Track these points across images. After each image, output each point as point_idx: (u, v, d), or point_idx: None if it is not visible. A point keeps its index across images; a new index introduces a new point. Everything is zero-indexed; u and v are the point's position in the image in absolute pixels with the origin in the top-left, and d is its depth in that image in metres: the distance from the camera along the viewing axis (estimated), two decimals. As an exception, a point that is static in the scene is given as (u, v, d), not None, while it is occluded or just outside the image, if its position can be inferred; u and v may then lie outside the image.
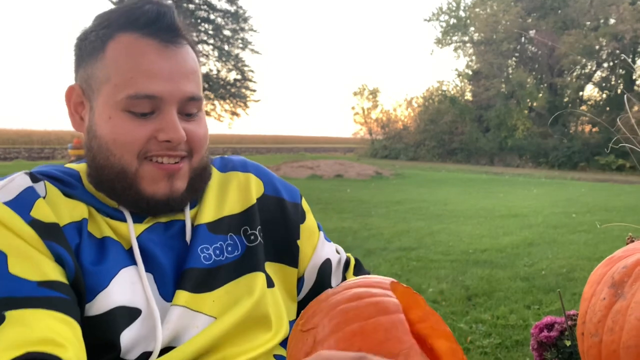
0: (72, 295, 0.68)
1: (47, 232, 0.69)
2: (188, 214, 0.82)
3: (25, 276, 0.65)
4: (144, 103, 0.73)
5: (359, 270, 1.01)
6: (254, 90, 28.09)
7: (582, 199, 10.75)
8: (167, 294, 0.76)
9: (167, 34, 0.74)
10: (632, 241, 0.80)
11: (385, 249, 5.68)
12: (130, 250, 0.75)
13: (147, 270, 0.75)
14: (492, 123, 24.91)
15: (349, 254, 1.03)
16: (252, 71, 27.70)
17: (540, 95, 25.15)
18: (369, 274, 1.02)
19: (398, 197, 10.65)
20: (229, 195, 0.87)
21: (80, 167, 0.81)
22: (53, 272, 0.67)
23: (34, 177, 0.74)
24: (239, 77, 27.60)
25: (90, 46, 0.76)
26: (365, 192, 11.63)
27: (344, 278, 0.98)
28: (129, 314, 0.71)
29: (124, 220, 0.77)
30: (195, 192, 0.81)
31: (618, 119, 1.13)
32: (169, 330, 0.73)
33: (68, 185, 0.77)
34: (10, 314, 0.62)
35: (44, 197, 0.72)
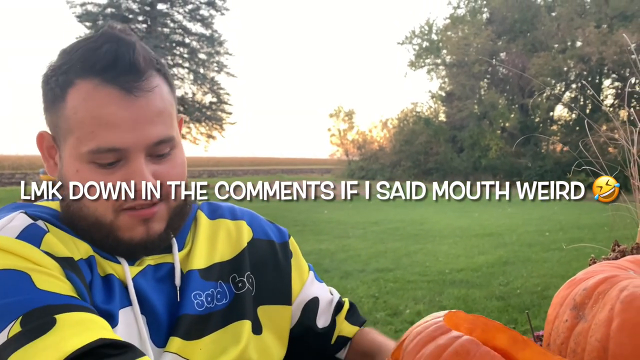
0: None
1: (64, 264, 0.68)
2: (177, 257, 0.80)
3: (55, 290, 0.64)
4: (107, 156, 0.71)
5: (353, 315, 0.99)
6: (230, 113, 28.11)
7: (555, 217, 10.94)
8: (158, 340, 0.75)
9: (128, 79, 0.70)
10: (595, 262, 0.83)
11: (363, 271, 5.69)
12: (126, 290, 0.74)
13: (141, 313, 0.74)
14: (466, 143, 25.29)
15: (345, 299, 1.01)
16: (227, 94, 27.76)
17: (512, 115, 25.67)
18: (364, 321, 1.00)
19: (375, 217, 10.71)
20: (218, 242, 0.86)
21: (58, 207, 0.79)
22: (72, 290, 0.66)
23: (32, 216, 0.72)
24: (214, 100, 27.60)
25: (51, 93, 0.73)
26: (342, 213, 11.66)
27: (334, 321, 0.96)
28: None
29: (117, 261, 0.75)
30: (174, 230, 0.80)
31: (580, 143, 1.17)
32: None
33: (59, 225, 0.75)
34: (60, 317, 0.60)
35: (48, 232, 0.71)
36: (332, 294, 0.99)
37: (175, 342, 0.75)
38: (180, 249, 0.82)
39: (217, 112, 27.72)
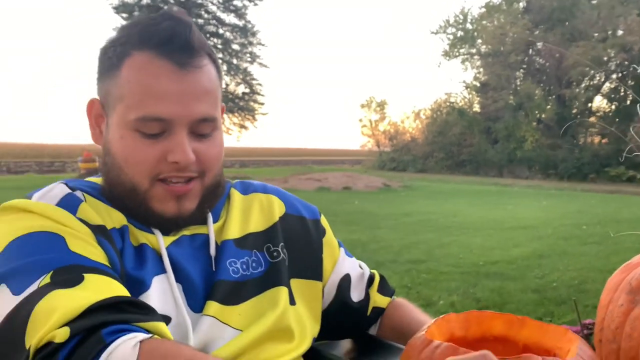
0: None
1: (97, 231, 0.71)
2: (212, 228, 0.83)
3: (87, 255, 0.67)
4: (153, 125, 0.73)
5: (383, 287, 1.02)
6: (262, 104, 28.25)
7: (593, 210, 10.67)
8: (194, 305, 0.77)
9: (182, 55, 0.73)
10: (648, 249, 0.80)
11: (395, 262, 5.66)
12: (161, 259, 0.77)
13: (176, 281, 0.77)
14: (501, 135, 24.84)
15: (373, 270, 1.04)
16: (260, 84, 27.90)
17: (549, 106, 25.08)
18: (394, 292, 1.03)
19: (407, 209, 10.63)
20: (252, 215, 0.89)
21: (101, 182, 0.83)
22: (104, 259, 0.69)
23: (71, 187, 0.77)
24: (247, 90, 27.78)
25: (109, 62, 0.77)
26: (373, 204, 11.61)
27: (367, 294, 0.98)
28: None
29: (152, 232, 0.78)
30: (207, 208, 0.82)
31: (631, 129, 1.14)
32: (199, 340, 0.74)
33: (97, 196, 0.79)
34: (88, 276, 0.64)
35: (84, 201, 0.75)
36: (362, 268, 1.01)
37: (212, 306, 0.77)
38: (214, 222, 0.84)
39: (250, 102, 27.91)
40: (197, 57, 0.75)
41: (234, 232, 0.85)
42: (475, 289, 4.61)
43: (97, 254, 0.68)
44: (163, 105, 0.73)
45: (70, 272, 0.63)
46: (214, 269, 0.80)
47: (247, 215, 0.89)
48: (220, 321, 0.77)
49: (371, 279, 1.01)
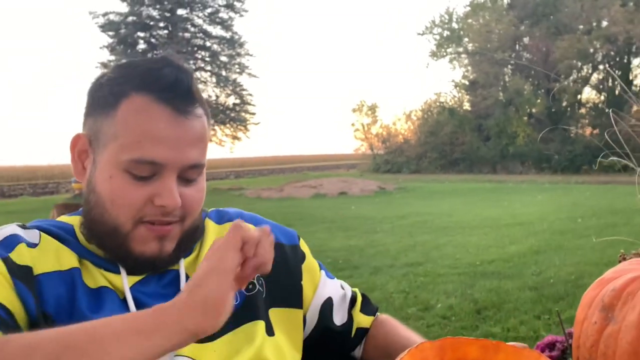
0: (14, 322, 0.69)
1: (18, 272, 0.71)
2: (182, 263, 0.82)
3: None
4: (145, 167, 0.74)
5: (366, 306, 1.01)
6: (254, 114, 28.18)
7: (587, 202, 10.72)
8: None
9: (182, 102, 0.74)
10: (624, 259, 0.81)
11: (393, 266, 5.66)
12: (124, 301, 0.76)
13: None
14: (492, 131, 24.91)
15: (355, 289, 1.03)
16: (250, 95, 27.84)
17: (539, 101, 25.19)
18: (377, 309, 1.02)
19: (402, 211, 10.63)
20: None
21: (74, 221, 0.82)
22: (6, 298, 0.69)
23: (26, 227, 0.77)
24: (237, 101, 27.71)
25: (103, 100, 0.76)
26: (369, 208, 11.61)
27: (350, 315, 0.98)
28: None
29: (117, 272, 0.78)
30: (183, 251, 0.82)
31: (605, 133, 1.14)
32: None
33: (62, 239, 0.78)
34: None
35: (36, 245, 0.75)
36: (343, 289, 1.00)
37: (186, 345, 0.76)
38: (186, 257, 0.83)
39: (241, 113, 27.85)
40: (195, 105, 0.76)
41: None
42: (473, 289, 4.61)
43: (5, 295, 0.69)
44: (159, 149, 0.73)
45: None
46: None
47: None
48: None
49: (353, 299, 1.00)
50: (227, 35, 26.65)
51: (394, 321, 1.01)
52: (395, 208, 11.34)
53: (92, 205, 0.77)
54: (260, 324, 0.84)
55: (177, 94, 0.74)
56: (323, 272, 0.99)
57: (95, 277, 0.77)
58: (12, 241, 0.74)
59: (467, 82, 28.27)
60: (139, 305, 0.76)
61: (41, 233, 0.77)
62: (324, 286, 0.96)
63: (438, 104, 28.73)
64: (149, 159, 0.73)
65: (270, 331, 0.85)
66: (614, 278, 0.65)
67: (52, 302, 0.72)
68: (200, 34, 26.54)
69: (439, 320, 3.85)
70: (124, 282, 0.77)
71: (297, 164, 42.06)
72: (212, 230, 0.89)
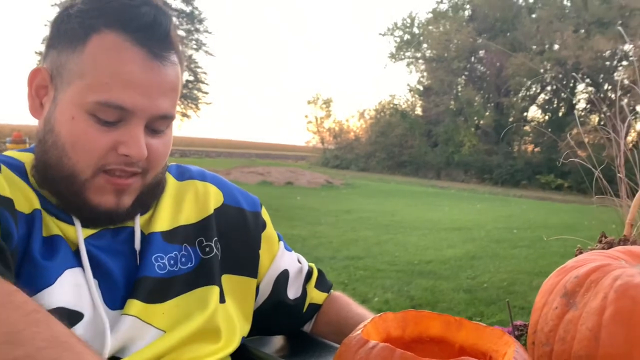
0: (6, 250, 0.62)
1: (4, 202, 0.65)
2: (138, 221, 0.77)
3: None
4: (112, 112, 0.68)
5: (321, 282, 0.99)
6: (206, 93, 27.80)
7: (524, 215, 11.13)
8: (113, 302, 0.72)
9: (158, 45, 0.69)
10: (581, 252, 0.82)
11: (334, 258, 5.69)
12: (76, 252, 0.71)
13: (93, 276, 0.71)
14: (441, 138, 25.53)
15: (312, 264, 1.00)
16: (205, 73, 27.42)
17: (487, 113, 25.98)
18: (331, 286, 1.01)
19: (348, 206, 10.72)
20: (185, 205, 0.83)
21: (26, 158, 0.75)
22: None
23: None
24: (191, 78, 27.21)
25: (71, 32, 0.69)
26: (315, 200, 11.64)
27: (304, 290, 0.95)
28: (68, 317, 0.67)
29: (71, 222, 0.72)
30: (142, 207, 0.77)
31: (568, 135, 1.17)
32: (117, 340, 0.69)
33: (18, 173, 0.72)
34: None
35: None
36: (300, 262, 0.97)
37: (134, 305, 0.72)
38: (142, 214, 0.79)
39: (193, 90, 27.36)
40: (171, 50, 0.71)
41: (163, 224, 0.79)
42: (410, 287, 4.69)
43: None
44: (129, 93, 0.67)
45: None
46: (138, 264, 0.75)
47: (180, 205, 0.82)
48: (142, 320, 0.72)
49: (309, 274, 0.97)
50: (187, 9, 26.08)
51: (347, 298, 0.99)
52: (341, 202, 11.42)
53: (49, 146, 0.70)
54: (214, 290, 0.80)
55: (154, 36, 0.68)
56: (282, 243, 0.95)
57: (49, 225, 0.71)
58: None
59: (421, 88, 28.82)
60: (92, 259, 0.71)
61: (1, 166, 0.70)
62: (281, 258, 0.93)
63: (391, 105, 29.17)
64: (116, 103, 0.67)
65: (222, 298, 0.82)
66: (577, 266, 0.65)
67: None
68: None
69: (375, 313, 3.88)
70: (79, 234, 0.71)
71: (246, 150, 41.69)
72: (172, 186, 0.84)
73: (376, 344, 0.55)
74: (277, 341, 0.98)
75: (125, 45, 0.67)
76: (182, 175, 0.87)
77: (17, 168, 0.73)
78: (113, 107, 0.67)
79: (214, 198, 0.87)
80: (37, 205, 0.70)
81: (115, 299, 0.72)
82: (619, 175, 1.02)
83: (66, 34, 0.70)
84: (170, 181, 0.84)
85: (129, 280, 0.73)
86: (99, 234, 0.74)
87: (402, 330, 0.60)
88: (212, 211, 0.85)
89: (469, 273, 5.37)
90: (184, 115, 27.73)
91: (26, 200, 0.70)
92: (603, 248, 0.79)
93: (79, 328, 0.67)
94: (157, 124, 0.72)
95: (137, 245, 0.76)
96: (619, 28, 20.10)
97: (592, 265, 0.63)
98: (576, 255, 0.81)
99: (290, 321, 0.96)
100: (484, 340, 0.59)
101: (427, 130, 26.54)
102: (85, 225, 0.73)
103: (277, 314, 0.93)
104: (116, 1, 0.70)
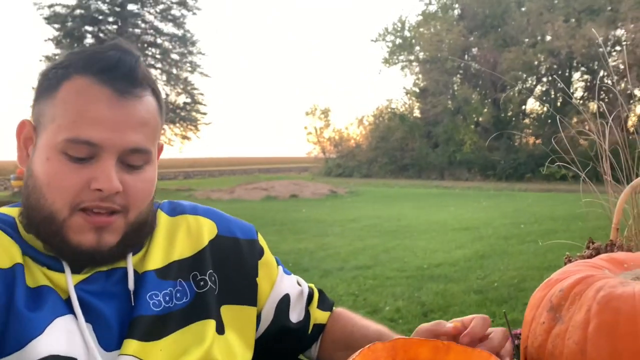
0: None
1: None
2: (130, 260, 0.79)
3: None
4: (81, 148, 0.71)
5: (323, 302, 0.99)
6: (205, 113, 27.80)
7: (530, 209, 11.11)
8: (107, 344, 0.73)
9: (123, 83, 0.72)
10: (570, 260, 0.82)
11: (342, 269, 5.68)
12: (67, 300, 0.72)
13: (86, 321, 0.72)
14: (441, 138, 25.52)
15: (311, 285, 1.01)
16: (201, 94, 27.47)
17: (485, 110, 25.97)
18: (333, 304, 1.01)
19: (353, 214, 10.72)
20: (178, 240, 0.84)
21: (14, 212, 0.78)
22: None
23: None
24: (188, 100, 27.30)
25: (47, 83, 0.74)
26: (320, 211, 11.64)
27: (307, 312, 0.96)
28: None
29: (61, 270, 0.74)
30: (129, 247, 0.78)
31: (552, 139, 1.18)
32: None
33: (4, 232, 0.74)
34: None
35: None
36: (300, 285, 0.98)
37: (131, 345, 0.73)
38: (135, 253, 0.80)
39: (192, 112, 27.42)
40: (138, 87, 0.74)
41: (156, 261, 0.80)
42: (420, 292, 4.68)
43: None
44: (95, 129, 0.70)
45: None
46: (132, 304, 0.76)
47: (172, 240, 0.84)
48: (140, 359, 0.73)
49: (310, 296, 0.98)
50: (179, 32, 26.22)
51: (350, 313, 1.00)
52: (346, 211, 11.42)
53: (30, 190, 0.74)
54: (210, 323, 0.81)
55: (118, 74, 0.72)
56: (280, 267, 0.96)
57: (36, 276, 0.72)
58: None
59: (417, 90, 28.85)
60: (84, 304, 0.73)
61: None
62: (280, 282, 0.94)
63: (389, 110, 29.21)
64: (84, 139, 0.70)
65: (221, 329, 0.82)
66: (561, 279, 0.66)
67: None
68: (151, 31, 25.97)
69: (387, 323, 3.88)
70: (68, 280, 0.73)
71: (248, 166, 41.74)
72: (164, 223, 0.85)
73: None
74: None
75: (91, 87, 0.71)
76: (174, 210, 0.88)
77: (5, 222, 0.75)
78: (81, 143, 0.70)
79: (208, 230, 0.88)
80: (18, 258, 0.72)
81: (110, 341, 0.73)
82: (605, 177, 1.03)
83: (44, 85, 0.75)
84: (163, 218, 0.86)
85: (123, 320, 0.74)
86: (90, 279, 0.75)
87: (392, 359, 0.61)
88: (206, 243, 0.86)
89: (478, 273, 5.35)
90: (185, 137, 27.78)
91: (6, 254, 0.71)
92: (590, 255, 0.79)
93: None
94: (131, 159, 0.74)
95: (131, 285, 0.77)
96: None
97: (576, 277, 0.64)
98: (565, 264, 0.82)
99: (295, 345, 0.96)
100: None
101: (427, 131, 26.55)
102: (75, 271, 0.74)
103: (282, 339, 0.93)
104: (87, 51, 0.75)
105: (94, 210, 0.72)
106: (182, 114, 27.00)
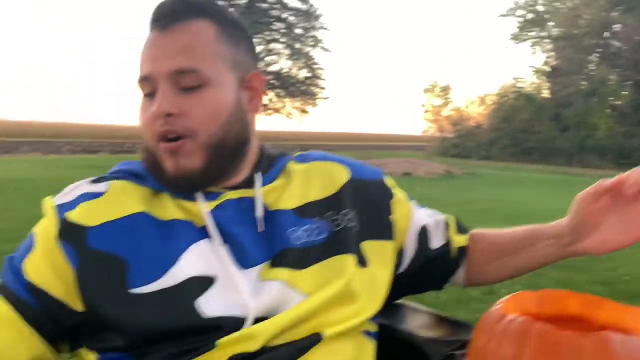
0: (48, 307, 0.75)
1: (69, 231, 0.76)
2: (259, 189, 0.84)
3: (29, 273, 0.76)
4: (144, 84, 0.81)
5: (460, 227, 1.02)
6: (323, 88, 28.26)
7: (671, 202, 10.06)
8: (244, 263, 0.79)
9: (165, 20, 0.80)
10: None
11: (457, 248, 5.58)
12: (202, 228, 0.79)
13: (223, 242, 0.78)
14: (571, 122, 23.75)
15: (445, 215, 1.03)
16: (321, 69, 27.87)
17: (625, 93, 23.71)
18: (468, 229, 1.03)
19: (469, 196, 10.40)
20: (312, 183, 0.90)
21: None
22: (45, 277, 0.75)
23: (99, 179, 0.83)
24: (309, 74, 27.83)
25: None
26: (435, 190, 11.41)
27: (447, 238, 0.99)
28: (200, 284, 0.75)
29: (194, 199, 0.80)
30: (218, 171, 0.82)
31: None
32: (263, 304, 0.76)
33: (140, 178, 0.83)
34: None
35: (103, 194, 0.79)
36: (434, 215, 1.02)
37: (283, 272, 0.79)
38: (265, 184, 0.85)
39: (311, 86, 27.95)
40: (181, 19, 0.80)
41: (293, 201, 0.86)
42: (540, 278, 4.47)
43: (40, 267, 0.75)
44: (146, 65, 0.80)
45: None
46: (257, 230, 0.82)
47: (307, 184, 0.89)
48: (289, 286, 0.78)
49: (446, 224, 1.01)
50: (304, 7, 26.65)
51: (486, 229, 1.02)
52: (462, 193, 11.10)
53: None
54: (350, 258, 0.84)
55: (160, 17, 0.81)
56: (412, 202, 1.00)
57: (169, 211, 0.80)
58: (70, 204, 0.78)
59: (548, 69, 26.99)
60: (219, 227, 0.79)
61: (112, 182, 0.81)
62: (415, 216, 0.98)
63: (515, 89, 27.64)
64: (142, 76, 0.81)
65: (363, 263, 0.87)
66: None
67: (116, 244, 0.76)
68: (278, 5, 26.65)
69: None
70: (202, 206, 0.80)
71: (363, 142, 41.87)
72: (297, 169, 0.91)
73: (515, 317, 0.57)
74: (414, 320, 1.03)
75: (149, 36, 0.83)
76: (306, 159, 0.95)
77: (135, 173, 0.84)
78: (142, 80, 0.81)
79: (340, 174, 0.93)
80: (139, 207, 0.79)
81: (246, 261, 0.79)
82: None
83: None
84: (295, 166, 0.92)
85: (256, 244, 0.80)
86: (223, 205, 0.82)
87: (540, 308, 0.62)
88: (339, 186, 0.91)
89: (606, 265, 4.99)
90: (303, 111, 28.48)
91: (126, 205, 0.79)
92: None
93: (212, 291, 0.76)
94: (182, 81, 0.78)
95: (259, 212, 0.82)
96: None
97: None
98: None
99: (441, 270, 0.99)
100: (626, 319, 0.59)
101: (556, 113, 24.82)
102: (210, 198, 0.81)
103: (428, 270, 0.97)
104: None
105: (167, 137, 0.78)
106: (302, 87, 27.61)
